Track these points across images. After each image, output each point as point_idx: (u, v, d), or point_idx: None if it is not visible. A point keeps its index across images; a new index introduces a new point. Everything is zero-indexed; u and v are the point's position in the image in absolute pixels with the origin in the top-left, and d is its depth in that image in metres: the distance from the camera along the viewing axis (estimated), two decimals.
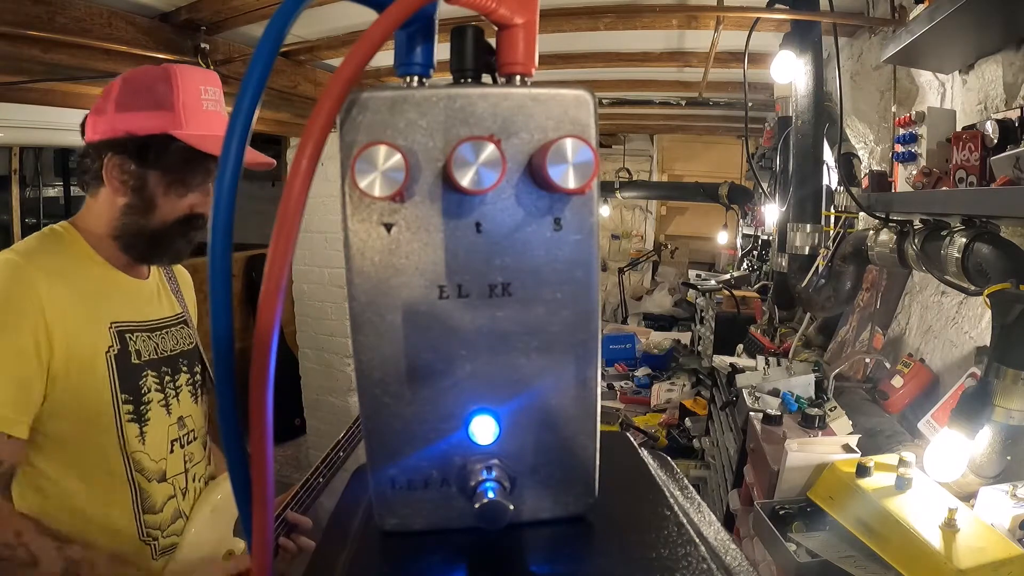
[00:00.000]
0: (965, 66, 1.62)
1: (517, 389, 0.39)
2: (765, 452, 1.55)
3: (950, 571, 0.98)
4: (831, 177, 2.23)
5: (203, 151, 1.02)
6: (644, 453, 0.54)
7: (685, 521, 0.41)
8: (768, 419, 1.69)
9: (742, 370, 2.26)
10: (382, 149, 0.33)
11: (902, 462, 1.20)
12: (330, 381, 4.14)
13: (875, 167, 2.16)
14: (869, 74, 2.19)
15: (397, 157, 0.33)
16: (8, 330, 0.93)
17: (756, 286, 3.59)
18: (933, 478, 1.20)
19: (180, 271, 1.31)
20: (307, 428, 4.39)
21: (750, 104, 2.42)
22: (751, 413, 1.79)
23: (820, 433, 1.60)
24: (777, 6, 2.01)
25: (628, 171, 5.44)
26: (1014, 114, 1.20)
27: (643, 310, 5.56)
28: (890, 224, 1.64)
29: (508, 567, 0.39)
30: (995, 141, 1.21)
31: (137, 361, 1.09)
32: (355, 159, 0.33)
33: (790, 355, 2.42)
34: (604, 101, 3.67)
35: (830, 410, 1.70)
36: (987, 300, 1.11)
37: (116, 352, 1.05)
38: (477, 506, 0.36)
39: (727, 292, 3.41)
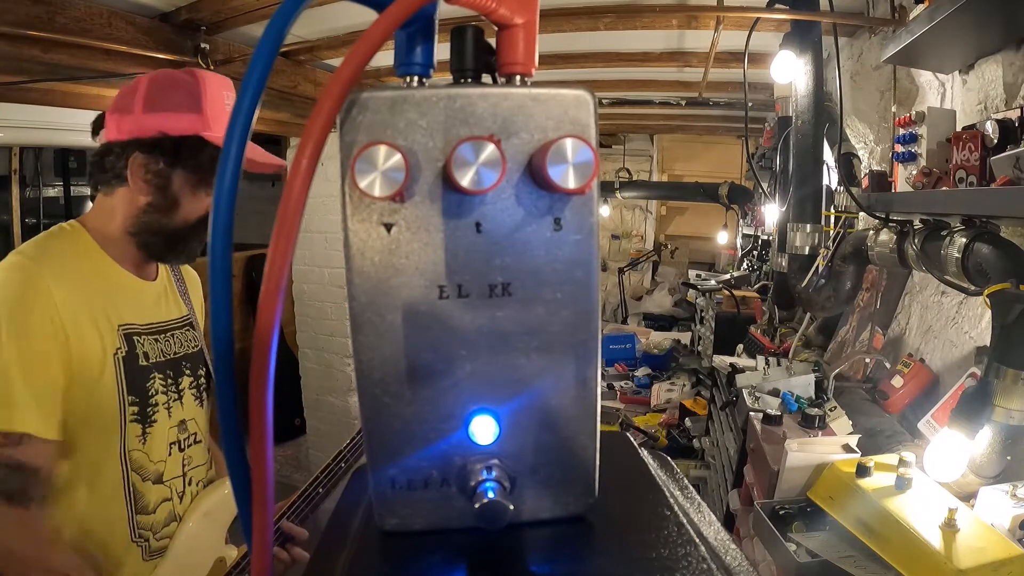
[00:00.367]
0: (965, 66, 1.62)
1: (517, 389, 0.39)
2: (765, 452, 1.55)
3: (950, 571, 0.98)
4: (831, 177, 2.23)
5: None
6: (644, 453, 0.54)
7: (685, 521, 0.41)
8: (768, 419, 1.69)
9: (742, 370, 2.26)
10: (382, 149, 0.33)
11: (902, 462, 1.20)
12: (330, 381, 4.14)
13: (875, 167, 2.16)
14: (869, 74, 2.19)
15: (397, 157, 0.33)
16: (29, 334, 0.94)
17: (756, 286, 3.59)
18: (933, 478, 1.20)
19: (188, 272, 1.32)
20: (307, 428, 4.39)
21: (750, 104, 2.42)
22: (751, 413, 1.79)
23: (820, 433, 1.60)
24: (777, 6, 2.01)
25: (628, 171, 5.44)
26: (1014, 114, 1.20)
27: (643, 310, 5.56)
28: (890, 224, 1.64)
29: (508, 567, 0.39)
30: (995, 141, 1.21)
31: (144, 363, 1.09)
32: (355, 159, 0.33)
33: (790, 355, 2.42)
34: (604, 101, 3.67)
35: (830, 410, 1.70)
36: (987, 300, 1.11)
37: (124, 354, 1.06)
38: (477, 506, 0.36)
39: (727, 292, 3.41)
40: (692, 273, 4.82)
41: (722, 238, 5.08)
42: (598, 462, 0.41)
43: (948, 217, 1.39)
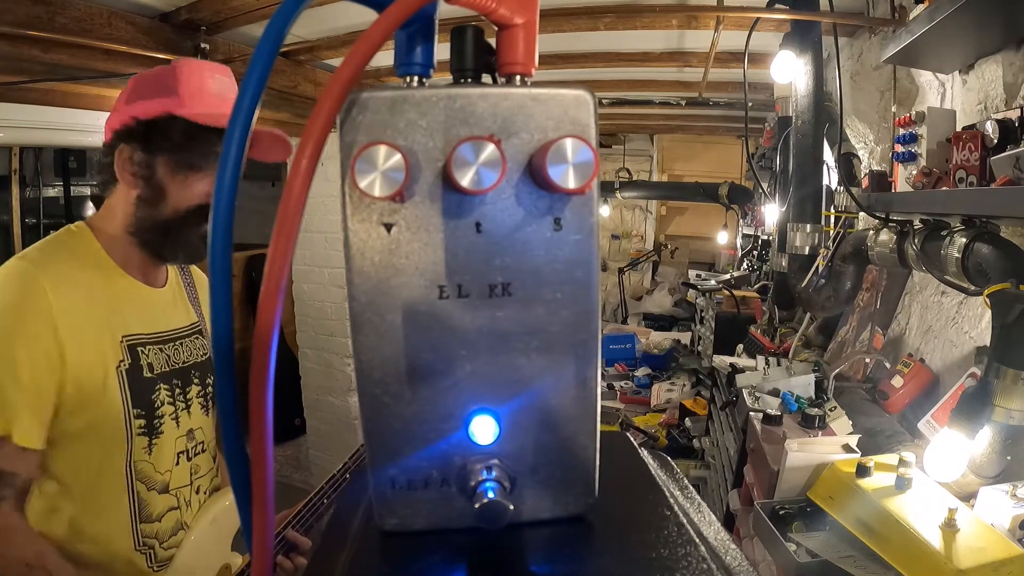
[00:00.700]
0: (965, 66, 1.62)
1: (517, 389, 0.39)
2: (765, 452, 1.55)
3: (950, 571, 0.98)
4: (831, 177, 2.23)
5: (207, 127, 1.01)
6: (644, 453, 0.54)
7: (685, 521, 0.41)
8: (768, 419, 1.69)
9: (742, 370, 2.26)
10: (382, 149, 0.33)
11: (902, 462, 1.20)
12: (330, 381, 4.14)
13: (875, 167, 2.16)
14: (869, 74, 2.19)
15: (397, 157, 0.33)
16: (21, 340, 0.92)
17: (756, 286, 3.59)
18: (933, 478, 1.20)
19: (199, 275, 1.29)
20: (307, 428, 4.39)
21: (750, 104, 2.42)
22: (751, 413, 1.79)
23: (820, 433, 1.60)
24: (777, 6, 2.01)
25: (628, 171, 5.44)
26: (1014, 114, 1.20)
27: (643, 310, 5.56)
28: (890, 224, 1.64)
29: (508, 567, 0.39)
30: (995, 141, 1.21)
31: (149, 375, 1.07)
32: (355, 159, 0.33)
33: (790, 355, 2.42)
34: (604, 101, 3.67)
35: (830, 410, 1.70)
36: (987, 300, 1.11)
37: (128, 367, 1.03)
38: (477, 506, 0.36)
39: (727, 292, 3.41)
40: (692, 273, 4.82)
41: (722, 238, 5.08)
42: (598, 462, 0.41)
43: (948, 217, 1.39)
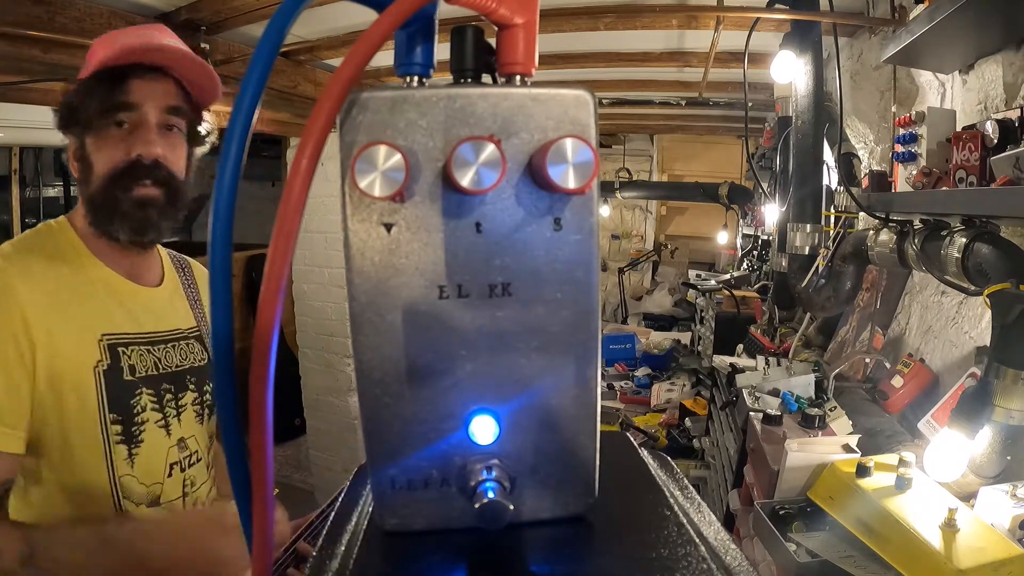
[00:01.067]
0: (965, 66, 1.62)
1: (517, 389, 0.39)
2: (765, 452, 1.55)
3: (950, 571, 0.98)
4: (831, 177, 2.23)
5: (100, 78, 0.93)
6: (644, 453, 0.54)
7: (685, 521, 0.41)
8: (768, 419, 1.69)
9: (742, 370, 2.26)
10: (382, 149, 0.33)
11: (902, 462, 1.20)
12: (330, 381, 4.14)
13: (875, 167, 2.16)
14: (869, 74, 2.19)
15: (397, 157, 0.33)
16: None
17: (756, 286, 3.59)
18: (933, 478, 1.20)
19: (201, 272, 1.22)
20: (307, 428, 4.39)
21: (750, 104, 2.42)
22: (751, 413, 1.79)
23: (820, 433, 1.60)
24: (777, 6, 2.01)
25: (628, 171, 5.44)
26: (1014, 114, 1.20)
27: (643, 310, 5.56)
28: (890, 224, 1.64)
29: (508, 567, 0.39)
30: (995, 141, 1.21)
31: (130, 378, 0.99)
32: (355, 159, 0.33)
33: (790, 355, 2.42)
34: (604, 101, 3.67)
35: (830, 410, 1.70)
36: (987, 300, 1.11)
37: (105, 367, 0.96)
38: (477, 506, 0.36)
39: (727, 292, 3.41)
40: (692, 273, 4.82)
41: (722, 238, 5.08)
42: (598, 462, 0.41)
43: (948, 217, 1.39)
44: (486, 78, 0.40)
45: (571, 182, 0.34)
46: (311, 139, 0.30)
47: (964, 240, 1.25)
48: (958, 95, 1.67)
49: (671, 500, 0.44)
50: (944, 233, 1.36)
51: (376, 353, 0.37)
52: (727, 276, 4.05)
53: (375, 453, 0.39)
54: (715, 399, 2.64)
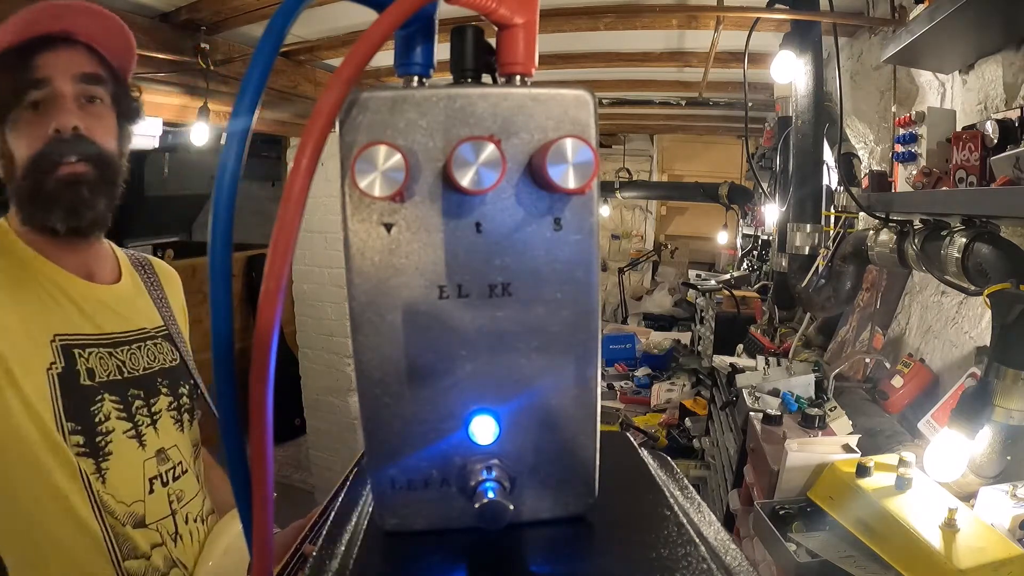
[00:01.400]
0: (965, 66, 1.62)
1: (517, 389, 0.39)
2: (765, 452, 1.55)
3: (950, 571, 0.98)
4: (831, 177, 2.23)
5: (10, 57, 0.85)
6: (644, 453, 0.54)
7: (685, 521, 0.41)
8: (768, 419, 1.69)
9: (742, 370, 2.26)
10: (382, 149, 0.33)
11: (902, 462, 1.20)
12: (330, 381, 4.14)
13: (875, 167, 2.16)
14: (869, 74, 2.19)
15: (397, 157, 0.33)
16: None
17: (756, 286, 3.59)
18: (933, 478, 1.20)
19: (165, 271, 1.13)
20: (307, 428, 4.39)
21: (750, 104, 2.42)
22: (751, 413, 1.79)
23: (820, 433, 1.60)
24: (777, 6, 2.01)
25: (628, 171, 5.44)
26: (1014, 114, 1.20)
27: (643, 310, 5.56)
28: (890, 224, 1.64)
29: (508, 567, 0.39)
30: (995, 141, 1.21)
31: (89, 382, 0.88)
32: (355, 159, 0.33)
33: (790, 355, 2.42)
34: (604, 101, 3.67)
35: (830, 410, 1.70)
36: (987, 300, 1.11)
37: (60, 371, 0.85)
38: (477, 506, 0.36)
39: (727, 292, 3.41)
40: (692, 273, 4.82)
41: (722, 238, 5.08)
42: (598, 462, 0.41)
43: (948, 217, 1.39)
44: (486, 78, 0.40)
45: (571, 182, 0.34)
46: (311, 139, 0.30)
47: (964, 240, 1.25)
48: (958, 95, 1.67)
49: (671, 500, 0.44)
50: (944, 233, 1.36)
51: (376, 353, 0.37)
52: (727, 276, 4.05)
53: (375, 453, 0.39)
54: (715, 399, 2.64)
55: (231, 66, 2.35)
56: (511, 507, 0.36)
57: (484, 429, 0.38)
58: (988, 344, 1.16)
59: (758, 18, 2.01)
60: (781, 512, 1.35)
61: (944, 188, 1.39)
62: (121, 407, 0.92)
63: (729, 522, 1.98)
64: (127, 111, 0.97)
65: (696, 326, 3.92)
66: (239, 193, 0.31)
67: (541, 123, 0.36)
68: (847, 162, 2.15)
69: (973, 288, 1.26)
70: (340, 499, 1.09)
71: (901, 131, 1.58)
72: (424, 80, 0.38)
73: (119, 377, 0.93)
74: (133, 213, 4.96)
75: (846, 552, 1.19)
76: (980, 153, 1.25)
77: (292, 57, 2.70)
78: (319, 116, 0.30)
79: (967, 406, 1.09)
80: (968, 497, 1.18)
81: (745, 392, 1.95)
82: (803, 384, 1.93)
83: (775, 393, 1.88)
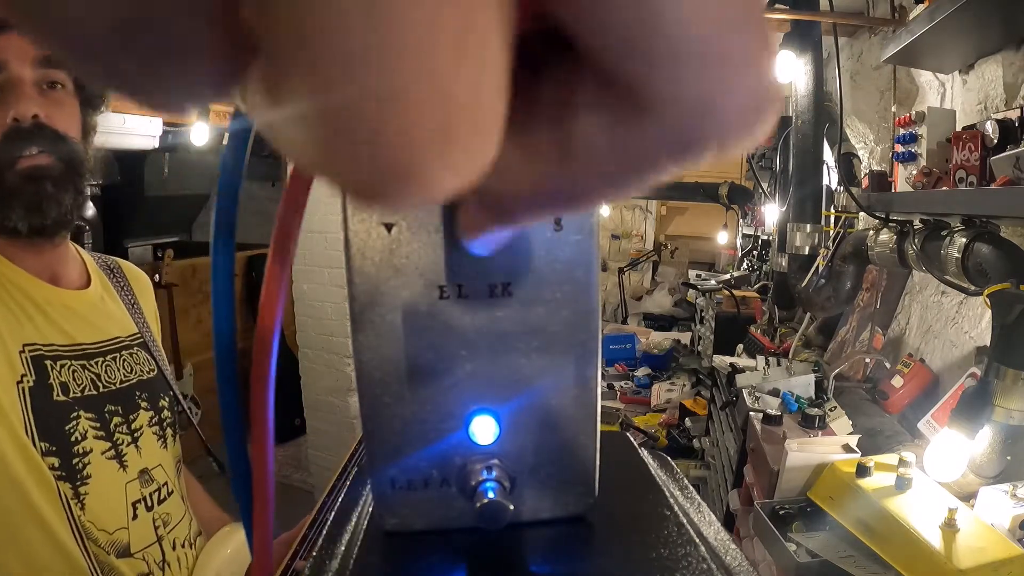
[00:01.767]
0: (965, 66, 1.62)
1: (518, 389, 0.39)
2: (765, 452, 1.55)
3: (950, 571, 0.98)
4: (831, 177, 2.24)
5: None
6: (644, 453, 0.54)
7: (685, 521, 0.41)
8: (768, 419, 1.69)
9: (742, 370, 2.26)
10: None
11: (902, 462, 1.20)
12: (330, 381, 4.15)
13: (875, 167, 2.16)
14: (869, 74, 2.19)
15: None
16: None
17: (756, 286, 3.59)
18: (933, 478, 1.20)
19: (136, 275, 1.05)
20: (307, 428, 4.40)
21: None
22: (751, 413, 1.79)
23: (820, 433, 1.60)
24: (777, 6, 2.01)
25: None
26: (1014, 114, 1.20)
27: (643, 310, 5.56)
28: (890, 224, 1.64)
29: (507, 566, 0.39)
30: (995, 141, 1.21)
31: (63, 398, 0.81)
32: None
33: (790, 355, 2.42)
34: None
35: (830, 410, 1.70)
36: (987, 300, 1.11)
37: (31, 385, 0.78)
38: (477, 506, 0.36)
39: (727, 292, 3.41)
40: (692, 273, 4.82)
41: (722, 238, 5.08)
42: (598, 462, 0.41)
43: (948, 217, 1.40)
44: None
45: None
46: None
47: (964, 240, 1.25)
48: (958, 95, 1.67)
49: (671, 500, 0.44)
50: (944, 233, 1.36)
51: (376, 353, 0.37)
52: (727, 276, 4.05)
53: (375, 453, 0.39)
54: (715, 399, 2.64)
55: None
56: (511, 507, 0.36)
57: (484, 429, 0.38)
58: (988, 344, 1.16)
59: None
60: (781, 512, 1.35)
61: (944, 188, 1.40)
62: (98, 425, 0.83)
63: (729, 522, 1.98)
64: (91, 97, 0.89)
65: (696, 326, 3.92)
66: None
67: None
68: (847, 162, 2.15)
69: (973, 288, 1.26)
70: (330, 506, 1.04)
71: (901, 131, 1.58)
72: None
73: (94, 392, 0.85)
74: (133, 213, 4.95)
75: (846, 552, 1.19)
76: (980, 153, 1.25)
77: None
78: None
79: (967, 406, 1.09)
80: (968, 497, 1.18)
81: (745, 392, 1.95)
82: (803, 384, 1.93)
83: (775, 393, 1.88)
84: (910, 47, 1.48)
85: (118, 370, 0.90)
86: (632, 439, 0.56)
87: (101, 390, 0.86)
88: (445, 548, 0.40)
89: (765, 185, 2.94)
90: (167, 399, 0.96)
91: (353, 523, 0.44)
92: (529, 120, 0.13)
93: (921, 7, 1.45)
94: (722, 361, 2.56)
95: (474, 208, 0.18)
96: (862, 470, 1.25)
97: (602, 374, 1.73)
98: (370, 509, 0.43)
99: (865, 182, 1.89)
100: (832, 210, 2.08)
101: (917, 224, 1.51)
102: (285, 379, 4.30)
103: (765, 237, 3.76)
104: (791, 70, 2.03)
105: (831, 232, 2.04)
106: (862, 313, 2.30)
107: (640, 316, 5.47)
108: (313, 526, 0.89)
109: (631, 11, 0.11)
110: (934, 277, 1.49)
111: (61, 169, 0.82)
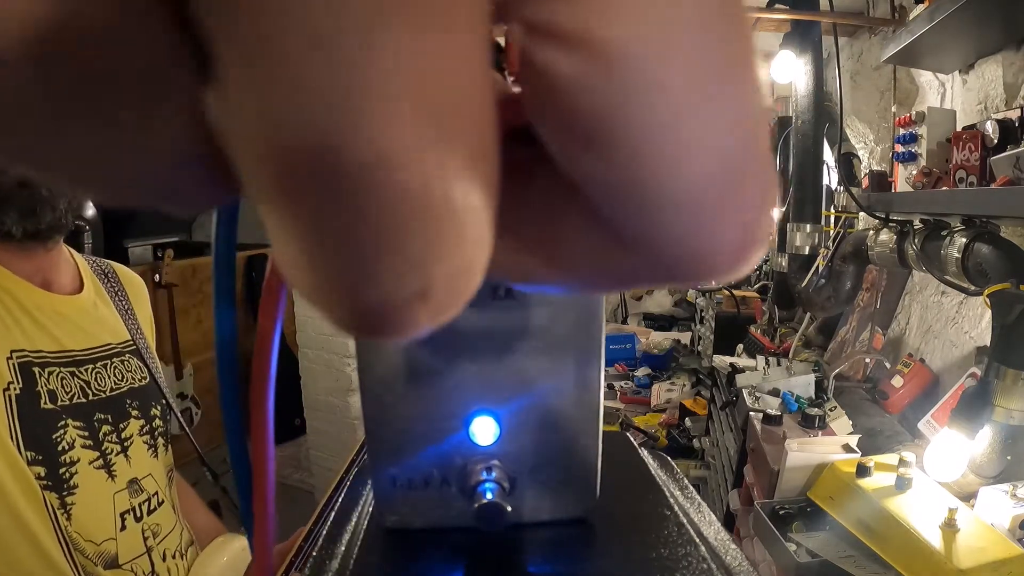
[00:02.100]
0: (965, 66, 1.62)
1: (519, 391, 0.39)
2: (765, 452, 1.55)
3: (950, 571, 0.98)
4: (831, 177, 2.24)
5: None
6: (644, 453, 0.54)
7: (685, 521, 0.41)
8: (768, 419, 1.69)
9: (742, 370, 2.26)
10: None
11: (902, 462, 1.20)
12: (330, 381, 4.14)
13: (875, 167, 2.16)
14: (869, 74, 2.19)
15: None
16: None
17: (756, 286, 3.59)
18: (933, 478, 1.20)
19: (130, 280, 1.04)
20: (307, 428, 4.40)
21: None
22: (751, 413, 1.79)
23: (820, 433, 1.60)
24: (777, 6, 2.01)
25: None
26: (1014, 114, 1.20)
27: (643, 310, 5.55)
28: (890, 224, 1.64)
29: (507, 566, 0.39)
30: (995, 141, 1.21)
31: (50, 406, 0.79)
32: None
33: (790, 355, 2.42)
34: None
35: (830, 410, 1.70)
36: (987, 300, 1.11)
37: (18, 392, 0.76)
38: (475, 506, 0.36)
39: (727, 292, 3.41)
40: None
41: None
42: (600, 464, 0.41)
43: (948, 217, 1.40)
44: None
45: None
46: None
47: (964, 240, 1.25)
48: (958, 95, 1.67)
49: (671, 500, 0.44)
50: (944, 233, 1.36)
51: (378, 353, 0.37)
52: None
53: (376, 452, 0.39)
54: (715, 399, 2.64)
55: None
56: (509, 508, 0.36)
57: (484, 430, 0.38)
58: (988, 344, 1.16)
59: (758, 18, 2.01)
60: (781, 512, 1.35)
61: (944, 188, 1.40)
62: (87, 434, 0.82)
63: (729, 522, 1.98)
64: None
65: (696, 326, 3.92)
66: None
67: None
68: (847, 162, 2.15)
69: (973, 288, 1.26)
70: (325, 517, 1.03)
71: (901, 131, 1.58)
72: None
73: (83, 400, 0.84)
74: (133, 213, 4.95)
75: (846, 552, 1.19)
76: (980, 153, 1.25)
77: None
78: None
79: (967, 406, 1.09)
80: (968, 497, 1.18)
81: (745, 392, 1.95)
82: (803, 384, 1.93)
83: (775, 393, 1.88)
84: (910, 47, 1.48)
85: (109, 377, 0.89)
86: (632, 439, 0.56)
87: (91, 398, 0.85)
88: (446, 548, 0.40)
89: None
90: (159, 407, 0.95)
91: (353, 523, 0.44)
92: (518, 224, 0.14)
93: (921, 7, 1.45)
94: (722, 361, 2.56)
95: None
96: (862, 470, 1.25)
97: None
98: (370, 509, 0.43)
99: (865, 182, 1.89)
100: (832, 210, 2.08)
101: (917, 224, 1.52)
102: (285, 379, 4.30)
103: None
104: (791, 70, 2.03)
105: (831, 232, 2.04)
106: (862, 313, 2.30)
107: (640, 316, 5.47)
108: (309, 538, 0.86)
109: (629, 171, 0.10)
110: (934, 277, 1.49)
111: None
